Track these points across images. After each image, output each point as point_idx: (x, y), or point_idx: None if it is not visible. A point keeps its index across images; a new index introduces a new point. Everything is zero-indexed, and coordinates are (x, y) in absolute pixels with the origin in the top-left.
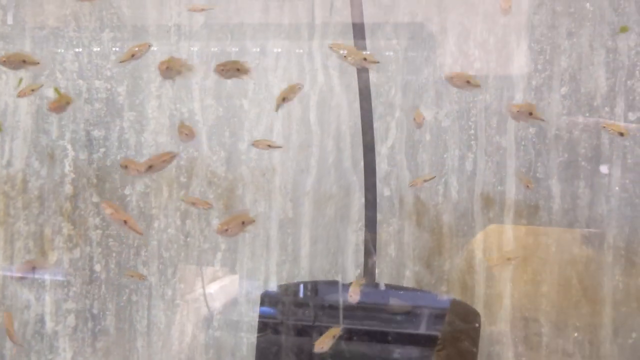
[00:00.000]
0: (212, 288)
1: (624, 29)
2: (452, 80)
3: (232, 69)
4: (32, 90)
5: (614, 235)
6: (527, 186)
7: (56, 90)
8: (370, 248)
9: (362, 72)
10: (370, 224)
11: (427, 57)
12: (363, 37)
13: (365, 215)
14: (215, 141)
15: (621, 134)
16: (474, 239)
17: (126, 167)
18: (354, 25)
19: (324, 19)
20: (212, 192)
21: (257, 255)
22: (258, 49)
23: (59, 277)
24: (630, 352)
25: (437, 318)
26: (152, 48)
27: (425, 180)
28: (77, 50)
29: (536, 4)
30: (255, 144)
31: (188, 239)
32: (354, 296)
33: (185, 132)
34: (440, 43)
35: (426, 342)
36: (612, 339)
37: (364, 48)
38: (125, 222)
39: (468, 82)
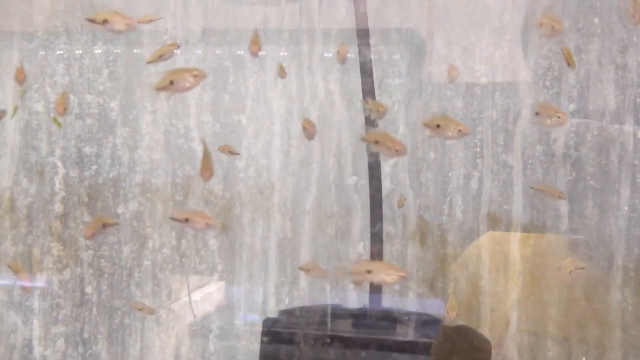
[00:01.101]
0: (208, 310)
1: None
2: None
3: None
4: None
5: (623, 256)
6: (559, 197)
7: (55, 120)
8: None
9: (366, 83)
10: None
11: (431, 71)
12: (368, 44)
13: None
14: (212, 158)
15: None
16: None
17: None
18: (358, 31)
19: (324, 32)
20: (209, 211)
21: (255, 277)
22: (257, 63)
23: None
24: None
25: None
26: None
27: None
28: (67, 63)
29: None
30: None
31: (183, 260)
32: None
33: (307, 127)
34: (445, 58)
35: None
36: None
37: (369, 54)
38: (103, 224)
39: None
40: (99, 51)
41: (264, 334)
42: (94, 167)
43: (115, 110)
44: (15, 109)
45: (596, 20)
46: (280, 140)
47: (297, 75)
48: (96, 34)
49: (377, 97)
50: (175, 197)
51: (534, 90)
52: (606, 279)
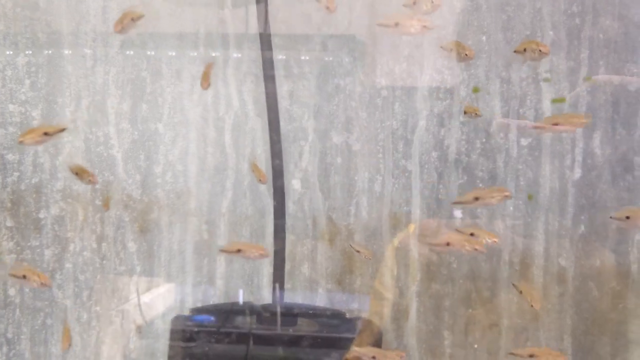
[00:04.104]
0: (128, 309)
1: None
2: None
3: None
4: None
5: (509, 251)
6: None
7: None
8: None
9: (271, 102)
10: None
11: (337, 84)
12: (270, 48)
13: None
14: (130, 164)
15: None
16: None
17: None
18: (261, 35)
19: (239, 49)
20: (128, 215)
21: (173, 277)
22: (174, 74)
23: None
24: None
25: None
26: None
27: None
28: None
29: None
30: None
31: (104, 262)
32: None
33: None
34: (349, 72)
35: None
36: (508, 350)
37: (271, 60)
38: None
39: None
40: (22, 62)
41: (172, 332)
42: (17, 174)
43: (36, 119)
44: None
45: (484, 38)
46: (196, 147)
47: (213, 85)
48: (19, 46)
49: (287, 108)
50: (95, 202)
51: (429, 101)
52: (495, 272)
